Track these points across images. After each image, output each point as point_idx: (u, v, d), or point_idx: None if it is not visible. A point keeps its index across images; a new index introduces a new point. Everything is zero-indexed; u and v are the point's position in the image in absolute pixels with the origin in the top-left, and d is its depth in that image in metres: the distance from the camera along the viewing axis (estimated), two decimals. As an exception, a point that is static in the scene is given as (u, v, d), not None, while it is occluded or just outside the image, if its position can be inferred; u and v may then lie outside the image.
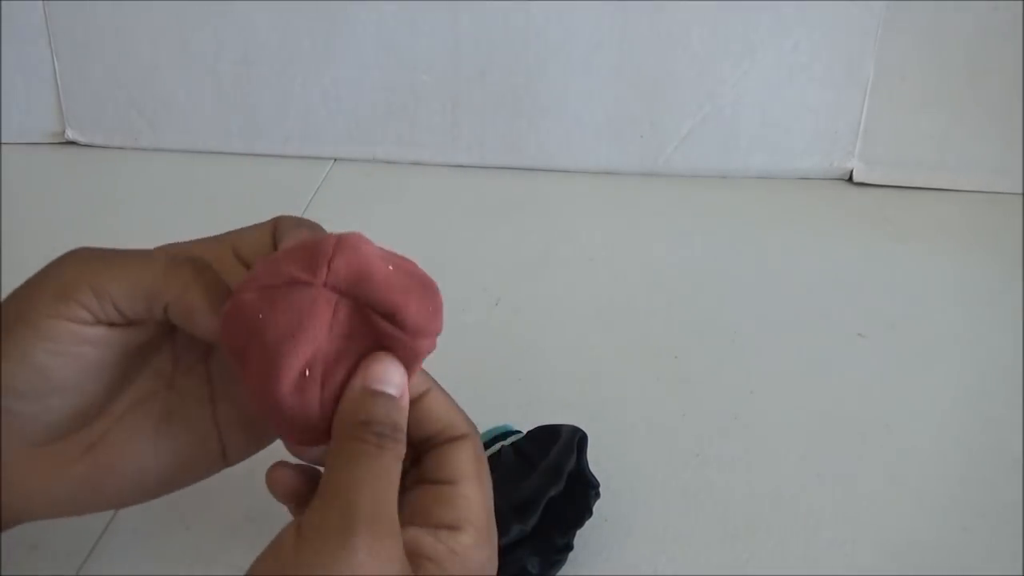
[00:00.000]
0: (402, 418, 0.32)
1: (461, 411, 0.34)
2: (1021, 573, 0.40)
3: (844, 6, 0.65)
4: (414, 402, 0.33)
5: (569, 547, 0.40)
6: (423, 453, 0.34)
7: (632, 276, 0.60)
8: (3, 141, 0.73)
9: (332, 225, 0.68)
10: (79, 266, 0.31)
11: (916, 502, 0.44)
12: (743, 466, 0.46)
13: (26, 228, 0.64)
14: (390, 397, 0.31)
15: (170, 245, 0.35)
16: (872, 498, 0.44)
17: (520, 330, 0.55)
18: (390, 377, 0.32)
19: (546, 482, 0.39)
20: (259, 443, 0.37)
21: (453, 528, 0.31)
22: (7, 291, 0.58)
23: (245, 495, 0.43)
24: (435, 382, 0.34)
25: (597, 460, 0.42)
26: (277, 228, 0.35)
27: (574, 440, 0.42)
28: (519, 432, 0.44)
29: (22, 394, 0.31)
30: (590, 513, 0.41)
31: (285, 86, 0.71)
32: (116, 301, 0.31)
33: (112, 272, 0.31)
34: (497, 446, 0.43)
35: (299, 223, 0.35)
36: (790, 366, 0.52)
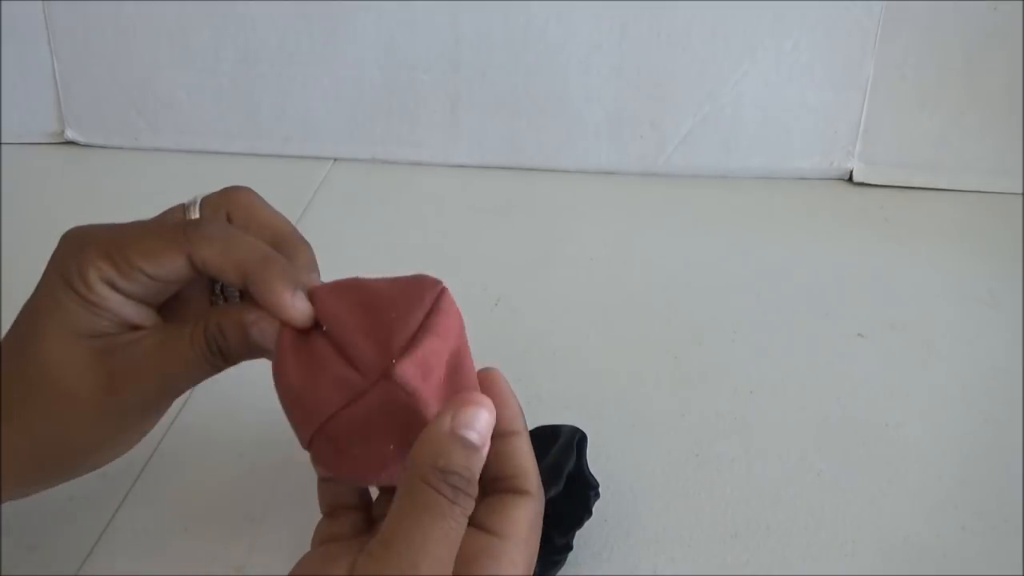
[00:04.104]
0: (478, 469, 0.31)
1: (536, 467, 0.35)
2: (1021, 573, 0.40)
3: (844, 6, 0.65)
4: (503, 437, 0.34)
5: (569, 547, 0.40)
6: (486, 493, 0.34)
7: (632, 276, 0.60)
8: (3, 141, 0.73)
9: (332, 225, 0.68)
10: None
11: (916, 502, 0.44)
12: (743, 466, 0.46)
13: (26, 228, 0.64)
14: (473, 446, 0.31)
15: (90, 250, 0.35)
16: (872, 498, 0.44)
17: (520, 330, 0.54)
18: (479, 424, 0.31)
19: (545, 482, 0.39)
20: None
21: None
22: (7, 291, 0.58)
23: (245, 495, 0.44)
24: (526, 430, 0.35)
25: (597, 460, 0.43)
26: (236, 211, 0.37)
27: (574, 440, 0.42)
28: (519, 432, 0.44)
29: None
30: (589, 514, 0.41)
31: (285, 86, 0.71)
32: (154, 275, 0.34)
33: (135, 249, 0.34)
34: (497, 446, 0.43)
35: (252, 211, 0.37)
36: (790, 366, 0.52)
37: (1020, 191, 0.68)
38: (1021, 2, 0.64)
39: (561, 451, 0.41)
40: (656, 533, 0.42)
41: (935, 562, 0.41)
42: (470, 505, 0.31)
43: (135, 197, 0.69)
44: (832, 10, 0.65)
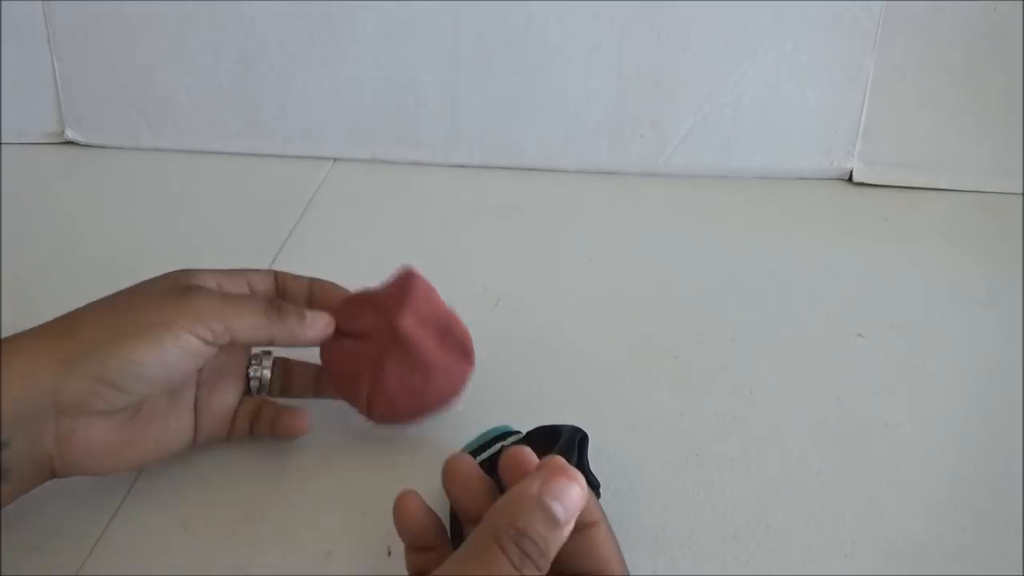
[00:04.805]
0: (555, 546, 0.31)
1: (621, 556, 0.34)
2: (1021, 573, 0.40)
3: (844, 6, 0.65)
4: (582, 530, 0.33)
5: (569, 547, 0.40)
6: None
7: (632, 276, 0.60)
8: (3, 141, 0.73)
9: (332, 225, 0.68)
10: (213, 302, 0.40)
11: (916, 502, 0.44)
12: (743, 466, 0.46)
13: (26, 228, 0.64)
14: (555, 519, 0.30)
15: (203, 270, 0.43)
16: (872, 498, 0.44)
17: (520, 330, 0.54)
18: (567, 499, 0.31)
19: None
20: (217, 432, 0.45)
21: None
22: (7, 290, 0.58)
23: (244, 495, 0.44)
24: (604, 517, 0.34)
25: (596, 460, 0.43)
26: (279, 278, 0.46)
27: (575, 440, 0.42)
28: (519, 432, 0.44)
29: (145, 379, 0.39)
30: (590, 513, 0.41)
31: (285, 86, 0.71)
32: (236, 334, 0.40)
33: (236, 312, 0.41)
34: (497, 446, 0.43)
35: (297, 278, 0.46)
36: (790, 366, 0.52)
37: (1020, 191, 0.68)
38: (1021, 2, 0.64)
39: (561, 451, 0.41)
40: (656, 533, 0.42)
41: (935, 562, 0.41)
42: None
43: (135, 197, 0.69)
44: (832, 10, 0.65)
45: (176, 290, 0.41)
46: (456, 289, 0.56)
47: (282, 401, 0.46)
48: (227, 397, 0.45)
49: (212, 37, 0.70)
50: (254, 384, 0.46)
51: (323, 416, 0.48)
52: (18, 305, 0.55)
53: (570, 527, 0.31)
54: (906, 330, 0.55)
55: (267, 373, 0.46)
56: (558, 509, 0.30)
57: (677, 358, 0.53)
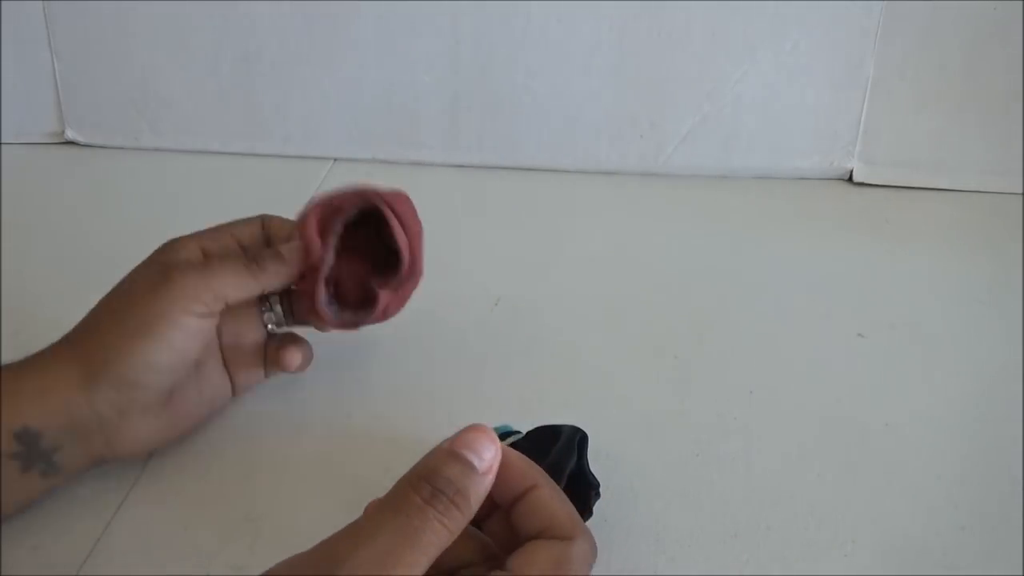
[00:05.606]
0: (474, 490, 0.31)
1: (572, 512, 0.34)
2: (1021, 573, 0.40)
3: (844, 6, 0.65)
4: (523, 497, 0.33)
5: (569, 547, 0.40)
6: None
7: (632, 276, 0.60)
8: (3, 141, 0.73)
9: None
10: (195, 277, 0.41)
11: (916, 502, 0.44)
12: (743, 466, 0.46)
13: (26, 228, 0.64)
14: (470, 464, 0.31)
15: (188, 237, 0.44)
16: (872, 498, 0.44)
17: (520, 330, 0.55)
18: (480, 448, 0.32)
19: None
20: (254, 378, 0.47)
21: None
22: (7, 290, 0.58)
23: (244, 495, 0.44)
24: (545, 479, 0.35)
25: (596, 460, 0.43)
26: (265, 223, 0.46)
27: (574, 440, 0.42)
28: (519, 432, 0.44)
29: (164, 370, 0.41)
30: (590, 513, 0.41)
31: (285, 86, 0.71)
32: (228, 297, 0.42)
33: (220, 278, 0.42)
34: (497, 446, 0.43)
35: (284, 221, 0.46)
36: (790, 366, 0.52)
37: (1020, 191, 0.68)
38: (1021, 2, 0.64)
39: (562, 451, 0.41)
40: (656, 533, 0.42)
41: (935, 562, 0.41)
42: (452, 516, 0.30)
43: (135, 197, 0.69)
44: (832, 10, 0.65)
45: (160, 274, 0.42)
46: (456, 289, 0.56)
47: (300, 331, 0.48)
48: (251, 341, 0.46)
49: (212, 37, 0.70)
50: (271, 326, 0.47)
51: (323, 415, 0.48)
52: (18, 305, 0.55)
53: (490, 477, 0.32)
54: (906, 330, 0.55)
55: (279, 309, 0.46)
56: (471, 456, 0.31)
57: (677, 358, 0.53)
